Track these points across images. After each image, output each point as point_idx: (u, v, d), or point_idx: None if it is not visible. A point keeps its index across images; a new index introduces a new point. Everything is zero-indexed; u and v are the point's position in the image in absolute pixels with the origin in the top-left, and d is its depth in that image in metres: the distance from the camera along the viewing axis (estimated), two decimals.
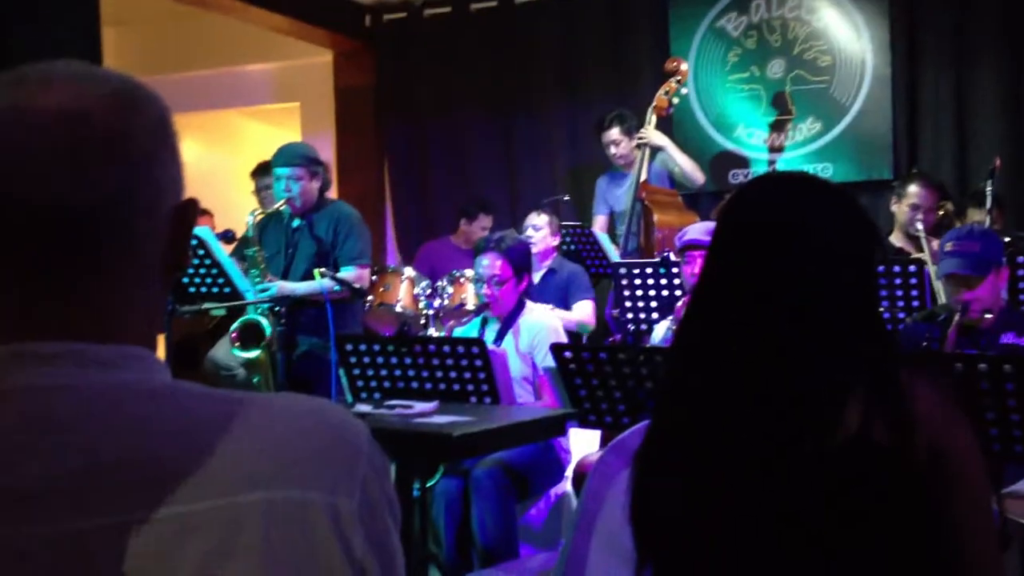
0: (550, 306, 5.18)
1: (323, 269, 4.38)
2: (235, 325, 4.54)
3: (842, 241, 1.46)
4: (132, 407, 0.83)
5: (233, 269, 4.38)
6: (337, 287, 4.36)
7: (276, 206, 4.63)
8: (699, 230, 4.08)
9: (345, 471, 0.87)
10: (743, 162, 6.54)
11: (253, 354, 4.41)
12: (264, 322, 4.40)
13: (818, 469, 1.36)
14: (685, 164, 5.83)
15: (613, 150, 5.89)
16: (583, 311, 5.38)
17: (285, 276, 4.61)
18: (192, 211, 0.92)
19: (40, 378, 0.82)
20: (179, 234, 0.90)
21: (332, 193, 7.17)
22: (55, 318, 0.84)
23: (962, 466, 1.38)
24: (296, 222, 4.68)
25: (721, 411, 1.43)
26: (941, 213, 5.12)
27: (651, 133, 5.75)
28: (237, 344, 4.44)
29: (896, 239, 5.07)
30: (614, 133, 5.87)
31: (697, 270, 3.92)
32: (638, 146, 5.78)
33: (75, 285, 0.85)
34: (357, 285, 4.49)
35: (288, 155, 4.62)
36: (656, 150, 5.80)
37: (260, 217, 4.67)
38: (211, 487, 0.81)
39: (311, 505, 0.84)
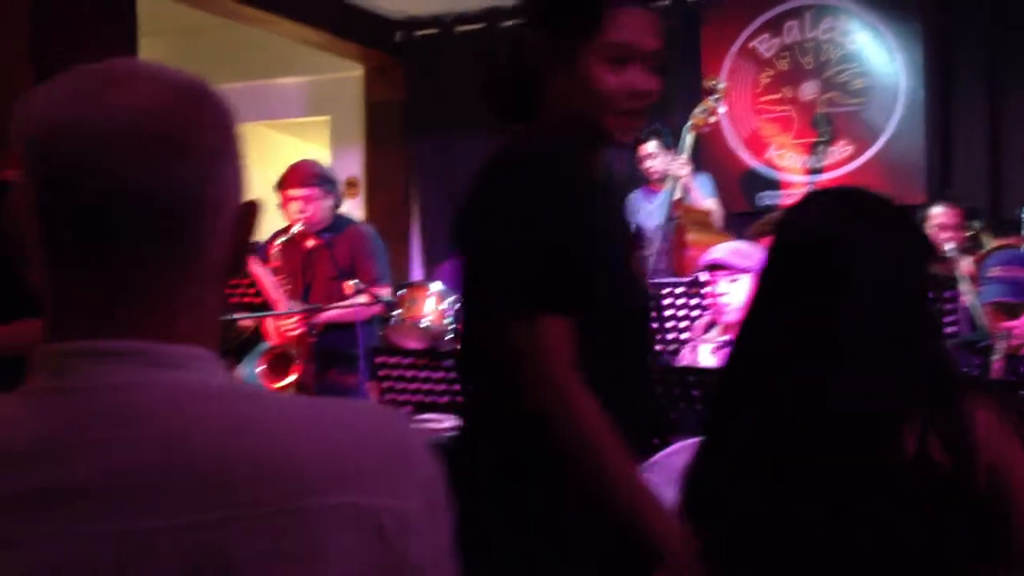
0: None
1: (355, 281, 4.33)
2: (262, 351, 4.48)
3: (897, 261, 1.44)
4: (200, 407, 0.83)
5: (267, 279, 4.36)
6: (363, 300, 4.32)
7: (292, 231, 4.54)
8: (726, 250, 3.99)
9: (406, 475, 0.87)
10: (773, 184, 6.51)
11: (283, 384, 4.35)
12: (292, 350, 4.35)
13: (877, 491, 1.34)
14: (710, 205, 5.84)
15: (648, 163, 5.91)
16: None
17: (304, 300, 4.56)
18: (255, 212, 0.92)
19: (112, 376, 0.82)
20: (242, 234, 0.91)
21: (359, 207, 7.24)
22: (132, 315, 0.84)
23: (1022, 489, 1.36)
24: (311, 243, 4.61)
25: (777, 433, 1.41)
26: (970, 234, 5.06)
27: (684, 170, 5.69)
28: (267, 374, 4.38)
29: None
30: (649, 146, 5.90)
31: (719, 291, 3.84)
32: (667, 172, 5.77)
33: (154, 281, 0.85)
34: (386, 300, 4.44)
35: (298, 176, 4.52)
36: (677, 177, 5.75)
37: (279, 243, 4.57)
38: (277, 491, 0.81)
39: (375, 509, 0.83)
